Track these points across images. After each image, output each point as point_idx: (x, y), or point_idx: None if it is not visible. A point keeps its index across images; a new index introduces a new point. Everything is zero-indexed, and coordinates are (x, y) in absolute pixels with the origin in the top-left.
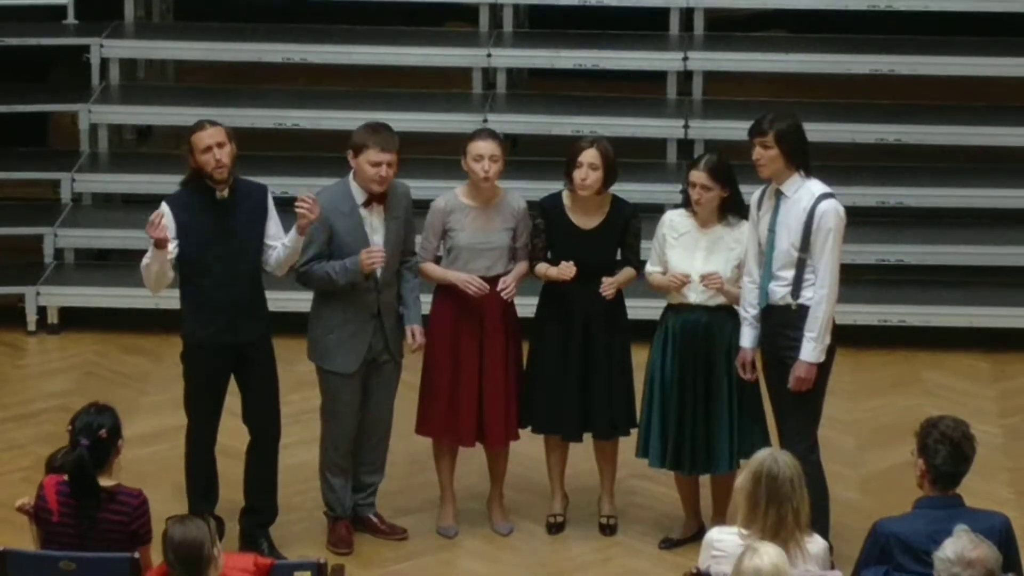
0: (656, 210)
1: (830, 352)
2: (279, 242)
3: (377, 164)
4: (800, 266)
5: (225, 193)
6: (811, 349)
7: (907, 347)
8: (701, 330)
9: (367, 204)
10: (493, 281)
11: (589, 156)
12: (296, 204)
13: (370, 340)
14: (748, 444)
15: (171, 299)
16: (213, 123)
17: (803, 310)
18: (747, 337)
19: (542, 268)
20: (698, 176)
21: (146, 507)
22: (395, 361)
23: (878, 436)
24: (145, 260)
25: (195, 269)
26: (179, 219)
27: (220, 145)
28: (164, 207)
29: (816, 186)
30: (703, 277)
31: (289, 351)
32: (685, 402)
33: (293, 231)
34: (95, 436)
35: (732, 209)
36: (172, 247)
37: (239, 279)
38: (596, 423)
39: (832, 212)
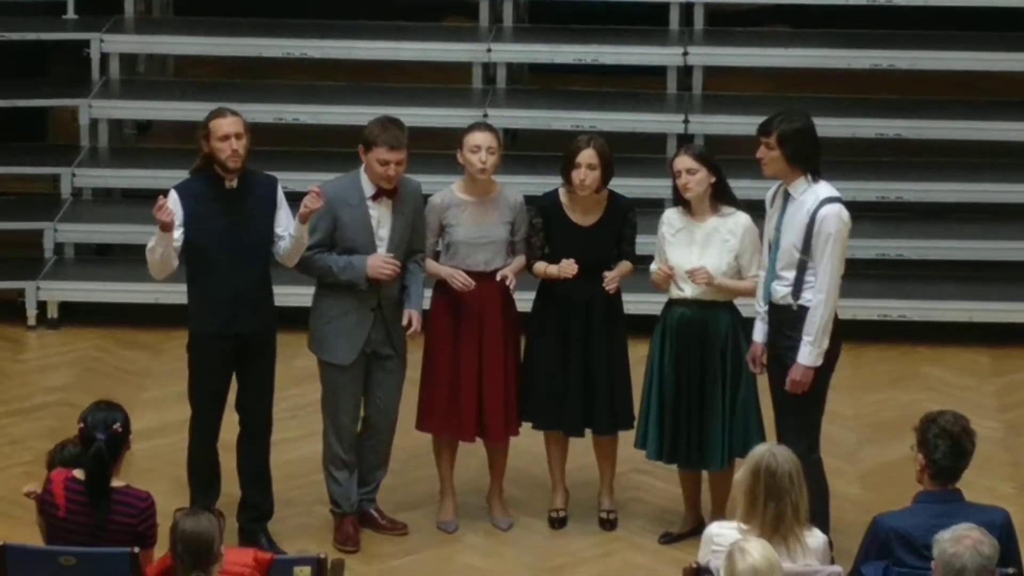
0: (656, 205)
1: (832, 355)
2: (288, 232)
3: (385, 163)
4: (802, 267)
5: (234, 183)
6: (807, 353)
7: (907, 342)
8: (695, 325)
9: (376, 197)
10: (492, 276)
11: (587, 156)
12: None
13: (369, 332)
14: (742, 442)
15: (171, 294)
16: (234, 112)
17: (803, 311)
18: (759, 331)
19: (541, 267)
20: (682, 161)
21: (153, 510)
22: (399, 356)
23: (878, 431)
24: (150, 244)
25: (202, 258)
26: (187, 207)
27: (238, 136)
28: (172, 194)
29: (823, 189)
30: (689, 272)
31: (289, 346)
32: (680, 396)
33: (297, 221)
34: (110, 430)
35: (723, 197)
36: (178, 234)
37: (246, 269)
38: (597, 419)
39: (834, 217)
